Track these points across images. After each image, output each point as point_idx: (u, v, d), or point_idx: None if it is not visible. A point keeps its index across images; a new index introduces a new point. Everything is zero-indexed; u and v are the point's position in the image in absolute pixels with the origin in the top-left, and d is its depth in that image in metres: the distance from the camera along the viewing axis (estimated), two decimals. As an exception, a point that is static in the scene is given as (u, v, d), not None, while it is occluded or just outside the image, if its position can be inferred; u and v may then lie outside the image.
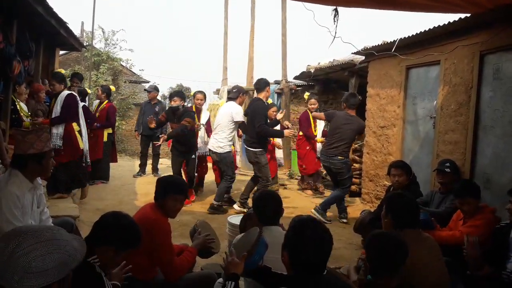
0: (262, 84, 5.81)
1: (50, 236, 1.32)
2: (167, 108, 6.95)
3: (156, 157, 8.37)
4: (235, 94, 5.93)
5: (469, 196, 3.31)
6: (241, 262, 1.99)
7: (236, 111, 5.78)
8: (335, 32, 4.26)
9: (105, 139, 7.03)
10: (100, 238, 1.98)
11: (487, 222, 3.19)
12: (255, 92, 6.05)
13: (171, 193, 2.70)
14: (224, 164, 5.82)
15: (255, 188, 5.81)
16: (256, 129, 5.58)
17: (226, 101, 5.92)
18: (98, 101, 7.33)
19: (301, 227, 1.86)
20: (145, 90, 7.70)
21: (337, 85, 9.98)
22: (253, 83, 6.28)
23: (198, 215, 5.59)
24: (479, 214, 3.27)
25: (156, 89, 8.35)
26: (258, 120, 5.55)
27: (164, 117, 6.16)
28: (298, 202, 6.76)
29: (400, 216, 2.51)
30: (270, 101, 7.73)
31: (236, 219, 3.79)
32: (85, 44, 12.09)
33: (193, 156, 6.04)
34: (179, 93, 6.26)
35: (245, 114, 6.04)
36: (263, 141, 5.74)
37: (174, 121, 5.95)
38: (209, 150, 5.94)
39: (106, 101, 7.17)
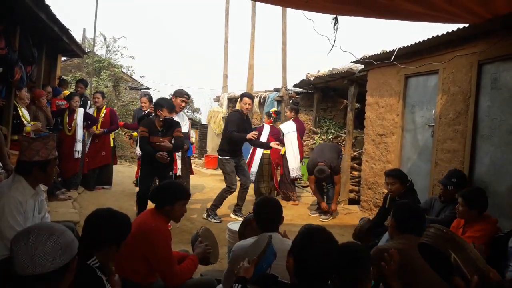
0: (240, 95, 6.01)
1: (50, 226, 1.56)
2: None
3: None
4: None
5: (477, 209, 3.27)
6: (251, 266, 1.99)
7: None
8: (334, 40, 4.33)
9: (111, 144, 7.12)
10: (99, 241, 1.99)
11: (487, 234, 3.16)
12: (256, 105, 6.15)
13: (180, 199, 2.76)
14: None
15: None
16: (226, 133, 5.72)
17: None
18: (93, 109, 7.28)
19: (310, 235, 1.86)
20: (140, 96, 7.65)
21: (336, 93, 10.04)
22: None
23: (197, 222, 5.61)
24: (480, 224, 3.24)
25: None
26: (230, 127, 5.65)
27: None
28: (298, 209, 6.78)
29: (403, 221, 2.58)
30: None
31: (235, 226, 3.79)
32: (86, 51, 12.15)
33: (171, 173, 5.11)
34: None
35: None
36: (230, 149, 5.74)
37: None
38: None
39: (104, 106, 7.21)
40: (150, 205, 2.99)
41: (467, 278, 1.86)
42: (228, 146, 5.71)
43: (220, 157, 5.75)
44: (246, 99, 5.78)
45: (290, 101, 9.25)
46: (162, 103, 4.83)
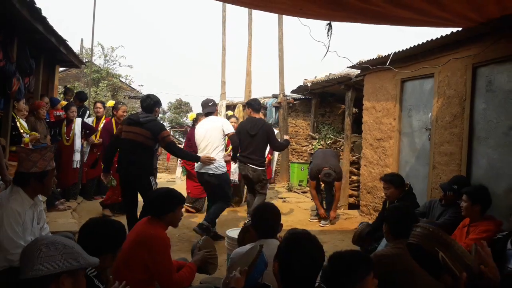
0: (259, 105, 5.82)
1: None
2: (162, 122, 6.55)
3: (154, 171, 8.43)
4: (213, 107, 5.43)
5: (480, 205, 3.32)
6: (242, 277, 1.99)
7: (226, 122, 5.32)
8: (329, 46, 4.37)
9: None
10: (95, 250, 1.99)
11: (492, 235, 3.15)
12: (249, 109, 5.79)
13: (180, 204, 2.84)
14: (224, 186, 5.17)
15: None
16: (277, 148, 6.03)
17: (205, 116, 5.37)
18: (92, 118, 7.31)
19: (294, 240, 1.87)
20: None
21: (333, 98, 10.08)
22: (247, 101, 6.23)
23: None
24: (484, 225, 3.25)
25: None
26: (275, 139, 5.71)
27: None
28: (297, 215, 6.78)
29: (396, 225, 2.59)
30: (231, 113, 8.17)
31: (234, 233, 3.80)
32: (84, 61, 12.21)
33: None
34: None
35: (253, 133, 5.51)
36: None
37: None
38: (202, 173, 5.07)
39: (104, 116, 7.25)
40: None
41: (456, 275, 1.87)
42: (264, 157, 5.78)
43: (262, 168, 5.56)
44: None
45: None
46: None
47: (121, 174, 4.53)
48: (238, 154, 5.50)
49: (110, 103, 6.87)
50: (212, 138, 5.09)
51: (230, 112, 8.61)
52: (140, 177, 4.41)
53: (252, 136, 5.48)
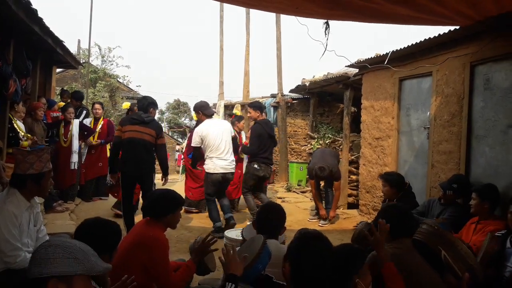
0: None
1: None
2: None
3: None
4: (213, 110, 5.93)
5: (489, 201, 3.34)
6: (241, 263, 1.98)
7: (230, 125, 5.73)
8: (326, 45, 4.36)
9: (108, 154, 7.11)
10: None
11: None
12: (258, 111, 5.93)
13: (180, 205, 2.85)
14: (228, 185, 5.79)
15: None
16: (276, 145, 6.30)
17: (209, 118, 5.53)
18: (90, 119, 7.31)
19: (305, 240, 1.85)
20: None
21: (332, 98, 10.08)
22: (253, 104, 6.26)
23: (195, 230, 5.59)
24: (492, 226, 3.24)
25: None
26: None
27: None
28: (296, 215, 6.77)
29: (393, 225, 2.55)
30: (238, 112, 8.30)
31: (233, 233, 3.80)
32: (82, 62, 12.17)
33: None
34: None
35: (273, 134, 6.03)
36: None
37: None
38: (226, 173, 5.33)
39: (102, 117, 7.23)
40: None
41: (457, 274, 1.87)
42: None
43: (271, 166, 6.04)
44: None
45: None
46: None
47: (126, 172, 4.71)
48: (258, 156, 5.76)
49: (126, 105, 6.94)
50: (228, 139, 5.45)
51: (238, 112, 8.53)
52: (148, 174, 4.76)
53: (272, 137, 5.89)
